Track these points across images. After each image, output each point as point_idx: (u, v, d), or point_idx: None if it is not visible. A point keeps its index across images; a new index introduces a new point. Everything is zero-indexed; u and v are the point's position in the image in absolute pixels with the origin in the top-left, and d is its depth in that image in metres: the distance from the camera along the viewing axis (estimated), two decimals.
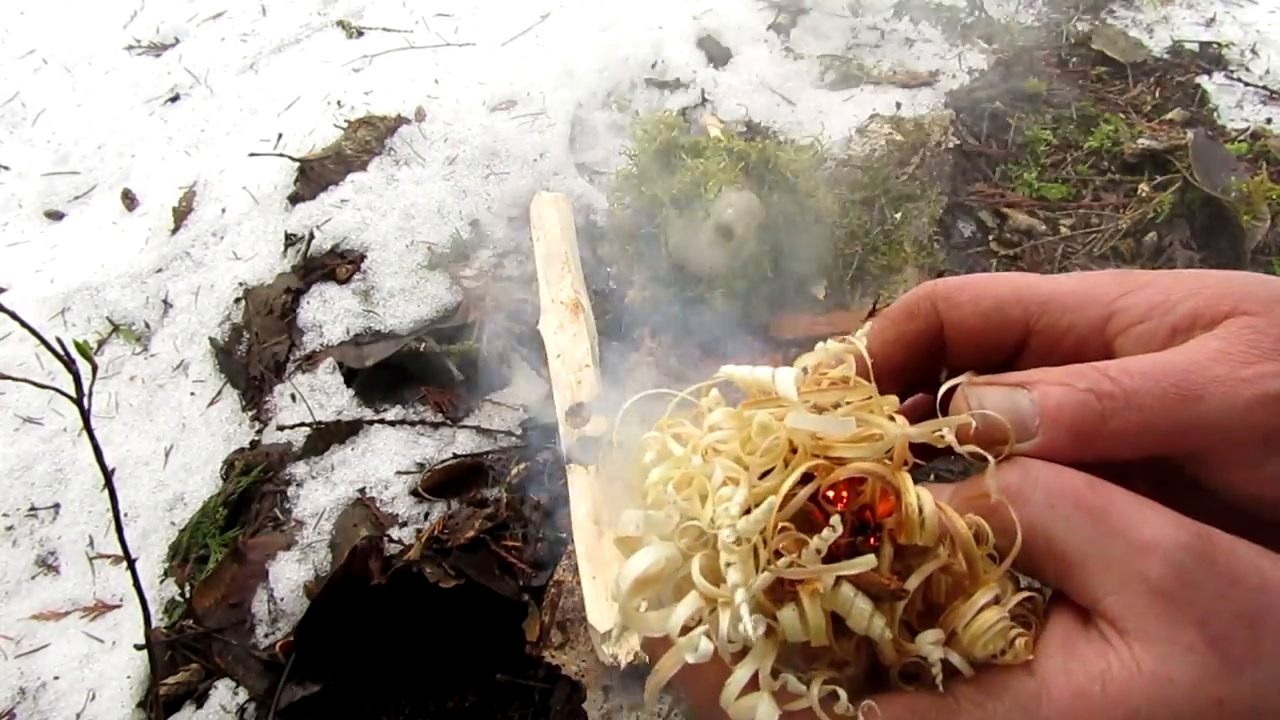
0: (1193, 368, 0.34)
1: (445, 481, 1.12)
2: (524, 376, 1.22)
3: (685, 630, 0.34)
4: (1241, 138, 1.60)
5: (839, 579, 0.33)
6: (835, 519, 0.33)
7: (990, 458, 0.34)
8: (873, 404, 0.36)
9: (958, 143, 1.51)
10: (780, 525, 0.33)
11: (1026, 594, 0.34)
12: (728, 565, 0.33)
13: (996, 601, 0.33)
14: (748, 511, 0.34)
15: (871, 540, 0.34)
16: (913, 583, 0.33)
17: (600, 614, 0.91)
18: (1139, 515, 0.32)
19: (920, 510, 0.33)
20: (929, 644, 0.33)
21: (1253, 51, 1.76)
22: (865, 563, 0.33)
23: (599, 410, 1.09)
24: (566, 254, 1.28)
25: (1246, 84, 1.70)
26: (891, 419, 0.35)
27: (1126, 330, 0.37)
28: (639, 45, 1.61)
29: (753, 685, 0.33)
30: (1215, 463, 0.35)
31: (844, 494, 0.34)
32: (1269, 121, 1.63)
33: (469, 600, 0.97)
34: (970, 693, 0.34)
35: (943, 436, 0.35)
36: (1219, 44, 1.78)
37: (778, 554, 0.33)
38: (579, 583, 0.96)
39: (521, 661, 0.96)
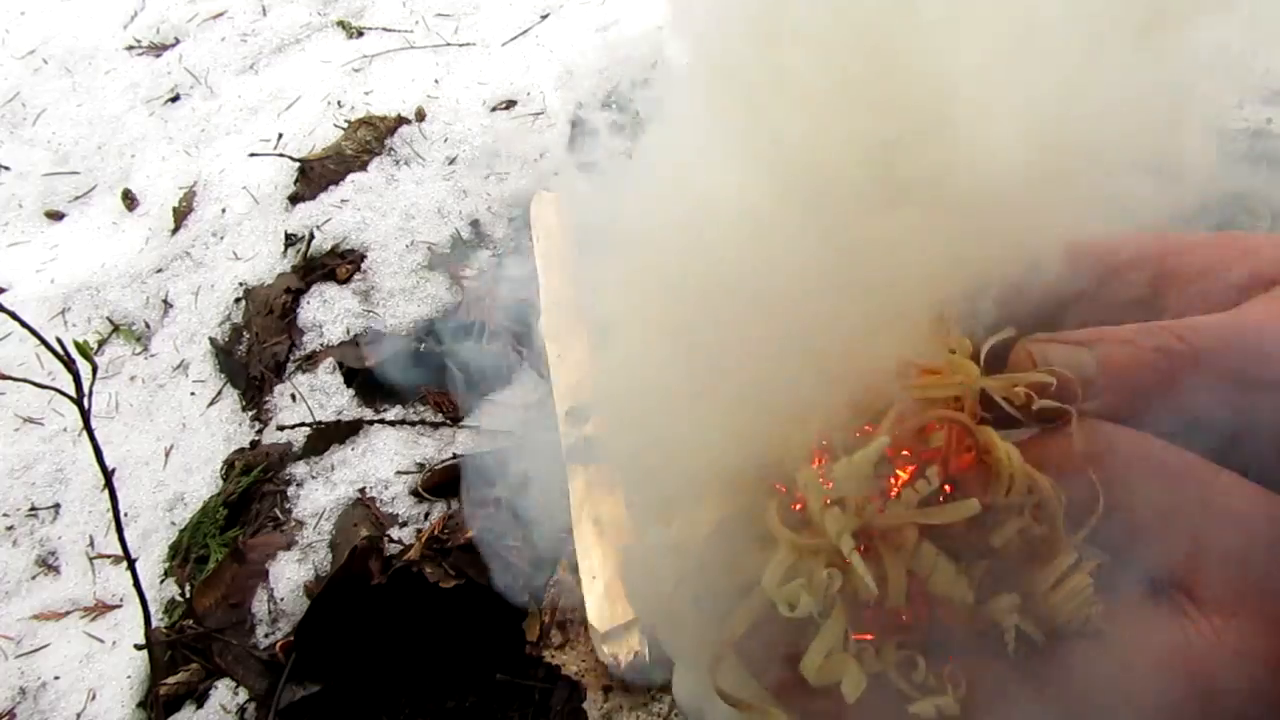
0: (1268, 326, 0.32)
1: (445, 481, 1.12)
2: (524, 376, 1.22)
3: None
4: (1241, 138, 1.60)
5: (921, 537, 0.30)
6: (931, 470, 0.30)
7: (1073, 412, 0.31)
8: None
9: None
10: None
11: (1101, 559, 0.31)
12: (825, 510, 0.30)
13: (1075, 567, 0.31)
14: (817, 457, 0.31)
15: (943, 495, 0.31)
16: (997, 541, 0.30)
17: (600, 614, 0.91)
18: (1221, 485, 0.30)
19: (1010, 463, 0.30)
20: (1006, 609, 0.31)
21: (1253, 51, 1.76)
22: (968, 507, 0.30)
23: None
24: (566, 254, 1.28)
25: (1246, 84, 1.70)
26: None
27: (1180, 290, 0.35)
28: (639, 45, 1.61)
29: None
30: None
31: (913, 446, 0.31)
32: (1269, 121, 1.63)
33: (469, 600, 0.97)
34: (1046, 666, 0.31)
35: (1019, 390, 0.31)
36: (1218, 44, 1.78)
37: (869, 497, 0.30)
38: (579, 583, 0.96)
39: (521, 661, 0.96)
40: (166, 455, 1.24)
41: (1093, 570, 0.31)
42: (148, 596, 0.87)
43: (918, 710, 0.30)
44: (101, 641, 1.08)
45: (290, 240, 1.41)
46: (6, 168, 1.75)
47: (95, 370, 0.79)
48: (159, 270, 1.47)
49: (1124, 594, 0.32)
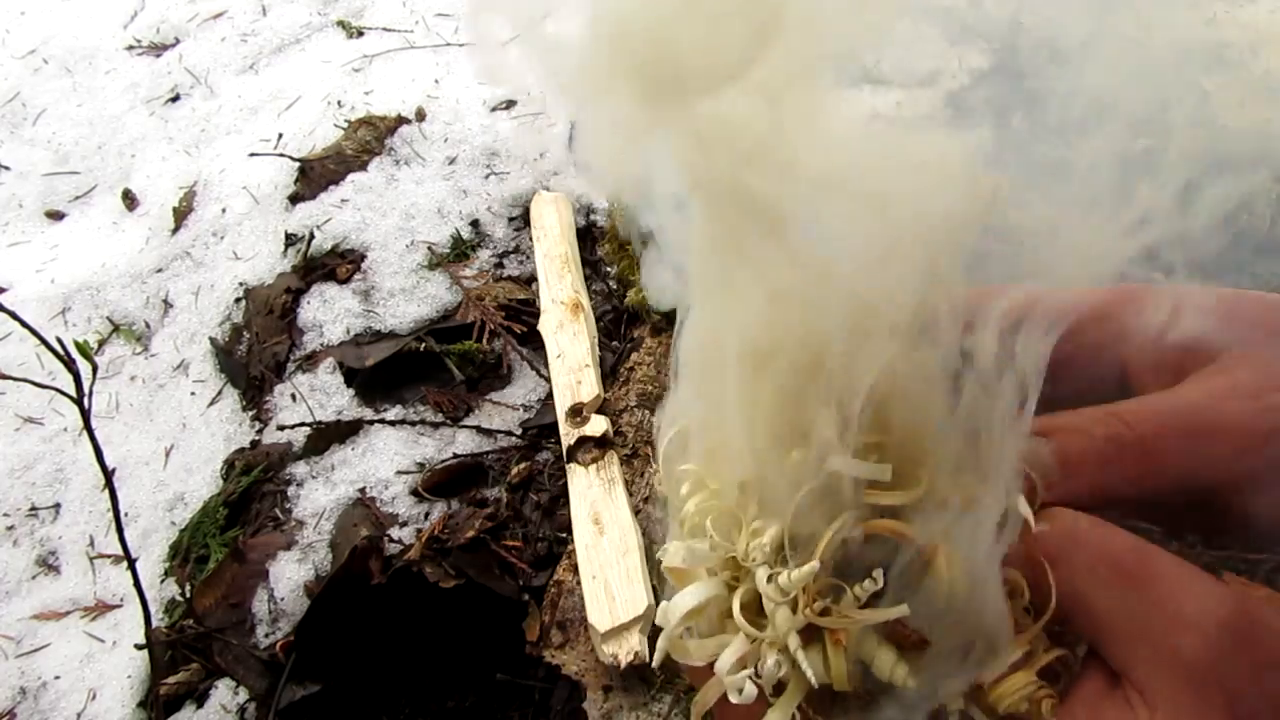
0: (1207, 406, 0.33)
1: (445, 481, 1.12)
2: (524, 376, 1.22)
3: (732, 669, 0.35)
4: (1241, 138, 1.60)
5: (865, 627, 0.33)
6: (877, 573, 0.33)
7: (1030, 518, 0.33)
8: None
9: None
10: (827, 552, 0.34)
11: (1059, 652, 0.34)
12: (775, 607, 0.34)
13: (1027, 659, 0.33)
14: (780, 548, 0.34)
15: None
16: (935, 638, 0.33)
17: (600, 614, 0.91)
18: (1182, 588, 0.32)
19: (949, 572, 0.33)
20: (952, 695, 0.33)
21: (1253, 51, 1.76)
22: (897, 612, 0.33)
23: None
24: (566, 254, 1.28)
25: (1246, 84, 1.70)
26: None
27: (1137, 346, 0.37)
28: None
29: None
30: (1244, 490, 0.35)
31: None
32: (1269, 121, 1.63)
33: (469, 600, 0.97)
34: None
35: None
36: (1219, 44, 1.78)
37: (819, 593, 0.33)
38: (579, 583, 0.96)
39: (521, 661, 0.96)
40: (166, 455, 1.24)
41: (1051, 662, 0.33)
42: (148, 596, 0.88)
43: None
44: (101, 641, 1.08)
45: (290, 240, 1.41)
46: (6, 168, 1.75)
47: (95, 370, 0.79)
48: (159, 270, 1.47)
49: (1080, 681, 0.33)
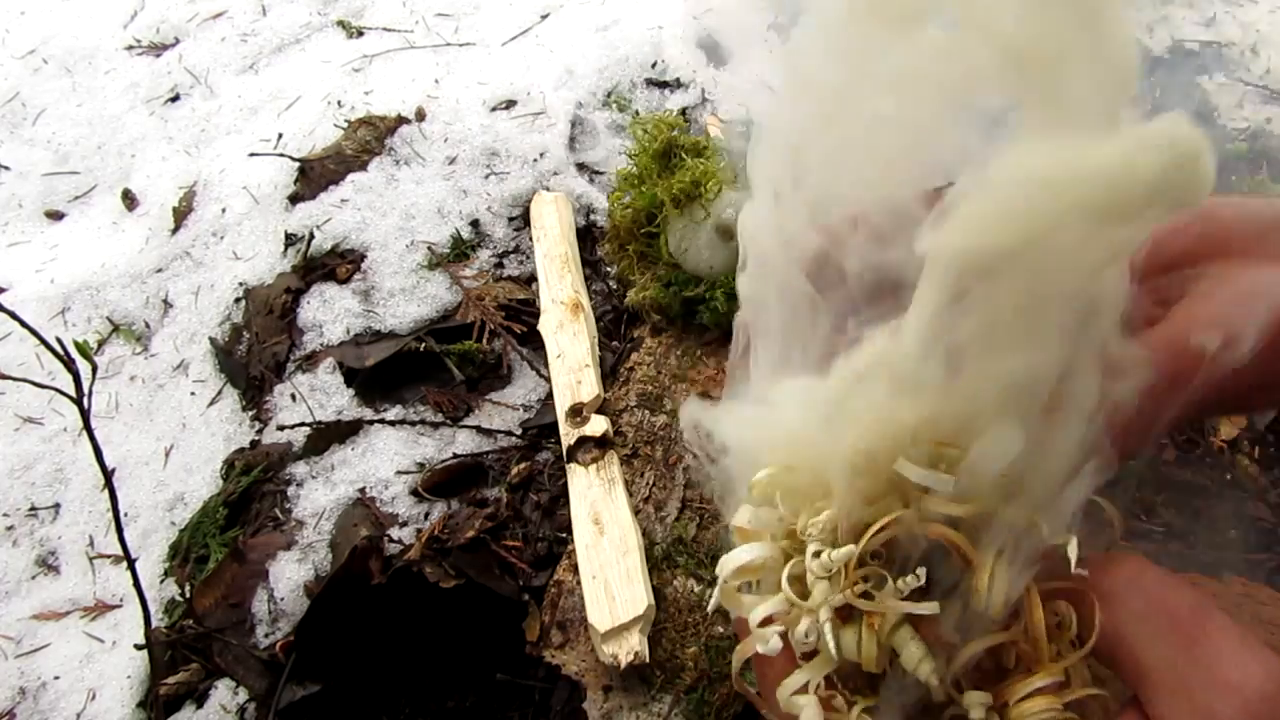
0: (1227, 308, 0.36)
1: (445, 481, 1.12)
2: (524, 376, 1.22)
3: (766, 623, 0.37)
4: (1241, 138, 1.60)
5: (905, 620, 0.35)
6: (921, 570, 0.35)
7: (1073, 559, 0.34)
8: None
9: None
10: (870, 553, 0.35)
11: (1096, 691, 0.35)
12: (815, 580, 0.36)
13: (1059, 688, 0.34)
14: (834, 530, 0.36)
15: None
16: (968, 650, 0.34)
17: (600, 614, 0.91)
18: (1230, 651, 0.33)
19: (990, 589, 0.34)
20: (976, 704, 0.35)
21: (1253, 51, 1.76)
22: (927, 608, 0.34)
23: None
24: (566, 254, 1.28)
25: (1246, 84, 1.70)
26: None
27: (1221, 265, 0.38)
28: (639, 45, 1.61)
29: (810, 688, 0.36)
30: None
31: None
32: (1269, 121, 1.63)
33: (469, 600, 0.97)
34: None
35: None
36: (1219, 44, 1.78)
37: (864, 578, 0.35)
38: (579, 583, 0.96)
39: (521, 661, 0.96)
40: (166, 455, 1.24)
41: (1086, 699, 0.34)
42: (148, 596, 0.87)
43: None
44: (101, 641, 1.08)
45: (290, 240, 1.41)
46: (6, 168, 1.75)
47: (95, 370, 0.79)
48: (159, 270, 1.47)
49: None
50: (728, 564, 0.39)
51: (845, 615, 0.36)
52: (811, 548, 0.36)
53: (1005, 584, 0.34)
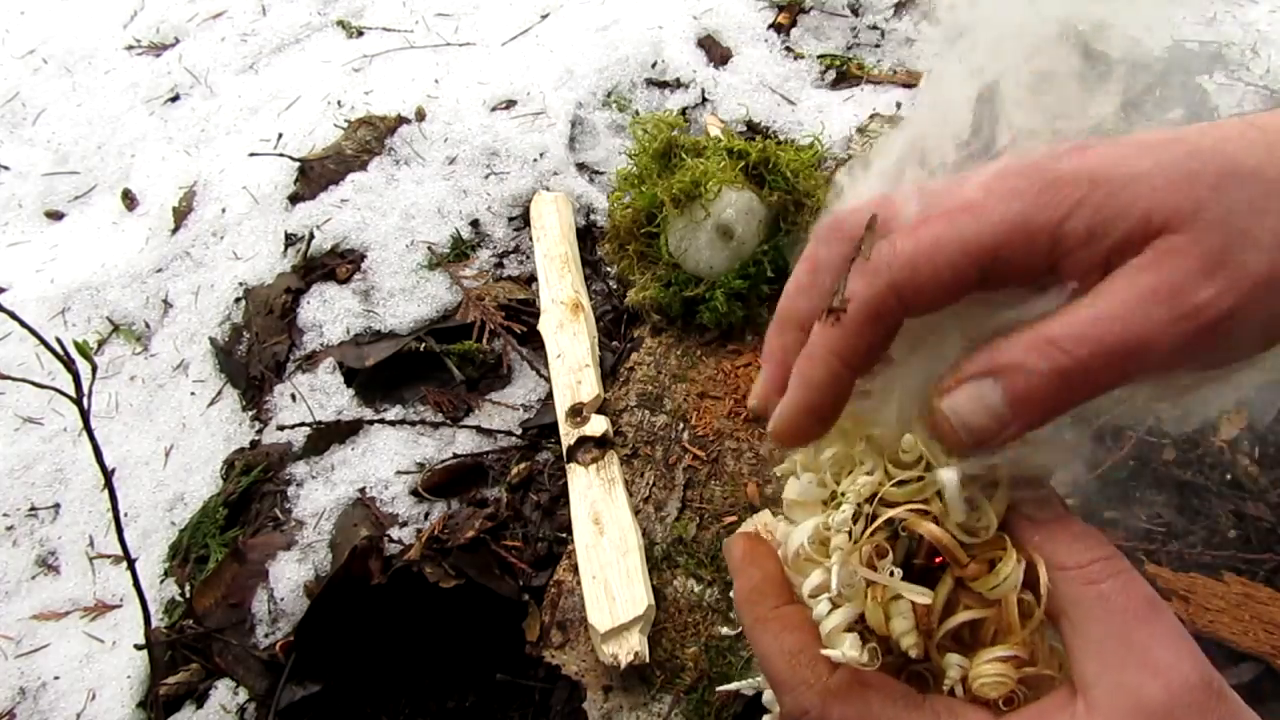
0: (1133, 317, 0.35)
1: (445, 481, 1.12)
2: (524, 376, 1.22)
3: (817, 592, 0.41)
4: None
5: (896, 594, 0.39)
6: (921, 594, 0.39)
7: (1038, 574, 0.38)
8: None
9: None
10: (881, 523, 0.40)
11: (1050, 674, 0.38)
12: (835, 543, 0.40)
13: (1021, 664, 0.38)
14: (873, 496, 0.40)
15: (940, 559, 0.40)
16: (947, 624, 0.39)
17: (600, 614, 0.91)
18: (1169, 643, 0.35)
19: (1002, 581, 0.38)
20: (952, 664, 0.39)
21: (1253, 51, 1.76)
22: (917, 594, 0.39)
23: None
24: (566, 254, 1.28)
25: (1246, 84, 1.70)
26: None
27: (1071, 254, 0.37)
28: (639, 45, 1.61)
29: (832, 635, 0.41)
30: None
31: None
32: None
33: (469, 600, 0.97)
34: (939, 705, 0.38)
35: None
36: (1219, 43, 1.78)
37: (881, 549, 0.39)
38: (579, 583, 0.96)
39: (521, 661, 0.96)
40: (166, 455, 1.24)
41: (1038, 675, 0.38)
42: (148, 596, 0.88)
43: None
44: (101, 641, 1.08)
45: (290, 240, 1.41)
46: (6, 168, 1.75)
47: (95, 370, 0.79)
48: (159, 270, 1.47)
49: (1052, 693, 0.37)
50: (791, 541, 0.43)
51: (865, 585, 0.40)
52: (844, 508, 0.40)
53: (1015, 578, 0.38)
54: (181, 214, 1.54)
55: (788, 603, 0.43)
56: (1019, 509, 0.39)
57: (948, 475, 0.38)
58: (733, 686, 0.81)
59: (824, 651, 0.39)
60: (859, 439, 0.42)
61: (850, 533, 0.40)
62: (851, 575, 0.39)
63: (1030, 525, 0.39)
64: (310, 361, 1.27)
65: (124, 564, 0.85)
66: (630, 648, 0.88)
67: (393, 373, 1.23)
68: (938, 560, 0.40)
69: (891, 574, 0.39)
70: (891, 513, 0.39)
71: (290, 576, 1.06)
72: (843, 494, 0.41)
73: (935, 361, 0.40)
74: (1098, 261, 0.37)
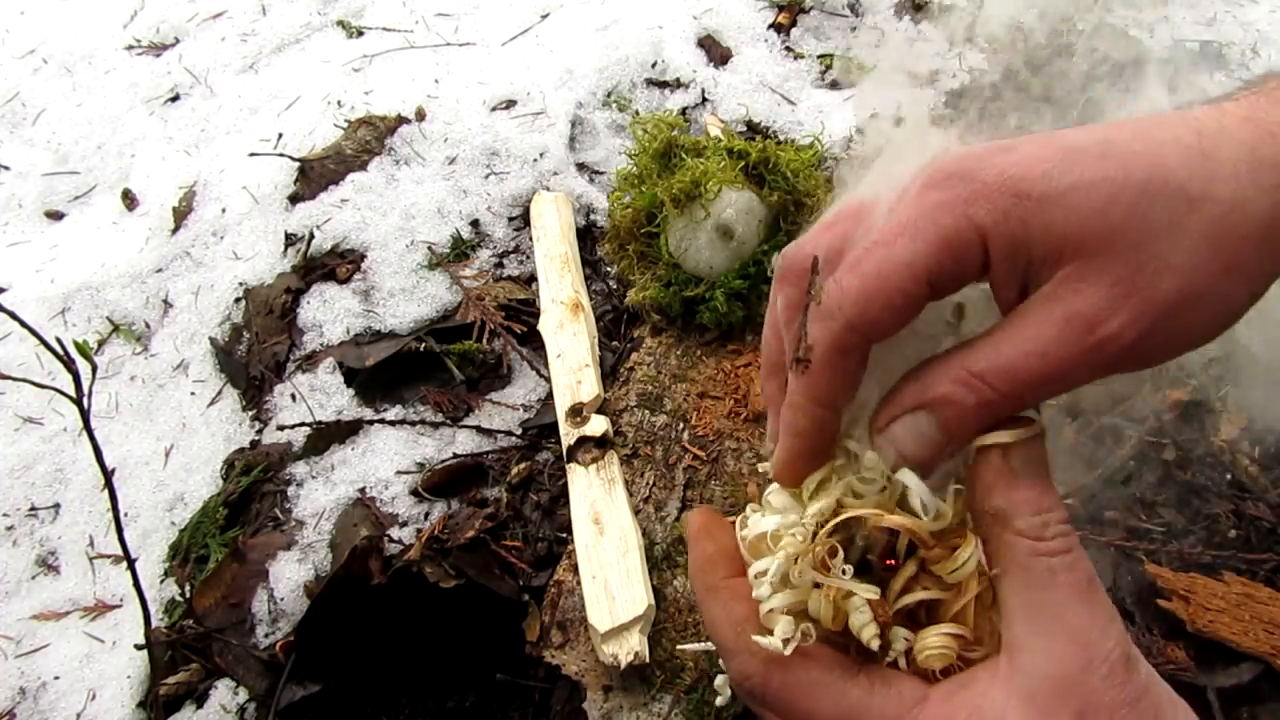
0: (1050, 351, 0.38)
1: (445, 481, 1.12)
2: (524, 376, 1.22)
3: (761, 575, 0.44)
4: None
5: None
6: (869, 590, 0.41)
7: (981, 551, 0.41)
8: None
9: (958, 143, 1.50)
10: (833, 530, 0.42)
11: (990, 655, 0.40)
12: (783, 545, 0.43)
13: (966, 641, 0.40)
14: (823, 520, 0.42)
15: (893, 562, 0.43)
16: (905, 600, 0.41)
17: (600, 614, 0.91)
18: (1094, 619, 0.37)
19: (961, 565, 0.41)
20: (899, 637, 0.41)
21: (1253, 51, 1.76)
22: (866, 588, 0.41)
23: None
24: (566, 254, 1.28)
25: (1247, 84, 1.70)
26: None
27: (995, 265, 0.39)
28: (639, 45, 1.61)
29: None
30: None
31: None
32: None
33: (469, 600, 0.97)
34: (875, 675, 0.40)
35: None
36: (1219, 43, 1.78)
37: (833, 549, 0.42)
38: (579, 583, 0.96)
39: (521, 661, 0.96)
40: (166, 455, 1.24)
41: (966, 647, 0.40)
42: (148, 596, 0.88)
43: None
44: (101, 641, 1.08)
45: (290, 240, 1.41)
46: (6, 168, 1.75)
47: (95, 370, 0.79)
48: (159, 270, 1.47)
49: (969, 673, 0.39)
50: (752, 529, 0.45)
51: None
52: (807, 520, 0.43)
53: (974, 562, 0.40)
54: (181, 214, 1.54)
55: (738, 575, 0.45)
56: (1008, 458, 0.40)
57: (908, 477, 0.41)
58: (697, 647, 0.85)
59: (753, 637, 0.41)
60: (838, 453, 0.45)
61: (800, 535, 0.42)
62: (799, 576, 0.42)
63: (1006, 485, 0.40)
64: (310, 361, 1.27)
65: (124, 564, 0.85)
66: (630, 648, 0.88)
67: (393, 373, 1.23)
68: (890, 563, 0.43)
69: (844, 572, 0.41)
70: (858, 511, 0.41)
71: (290, 576, 1.06)
72: (810, 499, 0.44)
73: (888, 375, 0.43)
74: (1017, 276, 0.39)
